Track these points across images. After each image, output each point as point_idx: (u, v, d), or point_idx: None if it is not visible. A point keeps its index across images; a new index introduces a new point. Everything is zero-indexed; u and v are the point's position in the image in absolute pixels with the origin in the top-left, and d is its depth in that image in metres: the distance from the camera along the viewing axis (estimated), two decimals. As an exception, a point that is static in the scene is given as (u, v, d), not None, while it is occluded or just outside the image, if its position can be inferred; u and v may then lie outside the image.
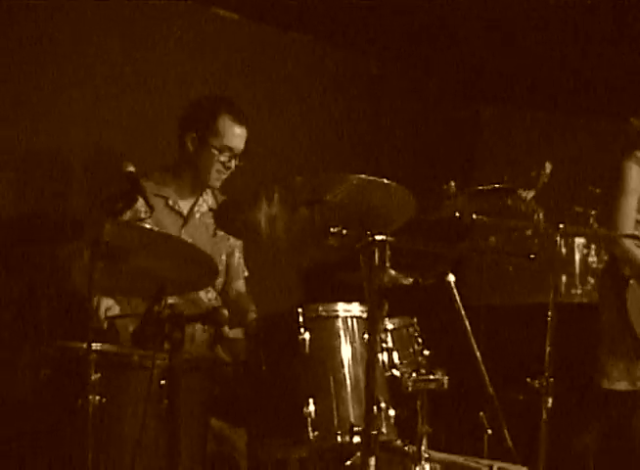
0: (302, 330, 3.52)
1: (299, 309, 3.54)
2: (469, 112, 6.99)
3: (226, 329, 4.16)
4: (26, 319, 4.43)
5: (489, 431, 4.21)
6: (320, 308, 3.60)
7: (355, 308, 3.65)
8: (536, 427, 4.49)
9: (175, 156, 4.40)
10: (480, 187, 4.01)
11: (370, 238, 3.09)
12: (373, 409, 3.15)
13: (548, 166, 4.11)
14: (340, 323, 3.61)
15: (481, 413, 4.25)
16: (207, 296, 4.30)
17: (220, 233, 4.34)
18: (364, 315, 3.64)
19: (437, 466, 3.58)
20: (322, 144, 6.02)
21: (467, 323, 4.21)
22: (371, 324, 3.09)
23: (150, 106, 5.09)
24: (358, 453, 3.63)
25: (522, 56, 6.31)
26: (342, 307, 3.63)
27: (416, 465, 3.56)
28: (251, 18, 5.60)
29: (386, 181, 3.24)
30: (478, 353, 4.19)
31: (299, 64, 5.93)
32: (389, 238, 3.14)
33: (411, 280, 4.26)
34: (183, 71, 5.31)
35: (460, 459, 3.68)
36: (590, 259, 6.21)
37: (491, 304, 5.10)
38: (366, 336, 3.61)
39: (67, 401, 3.39)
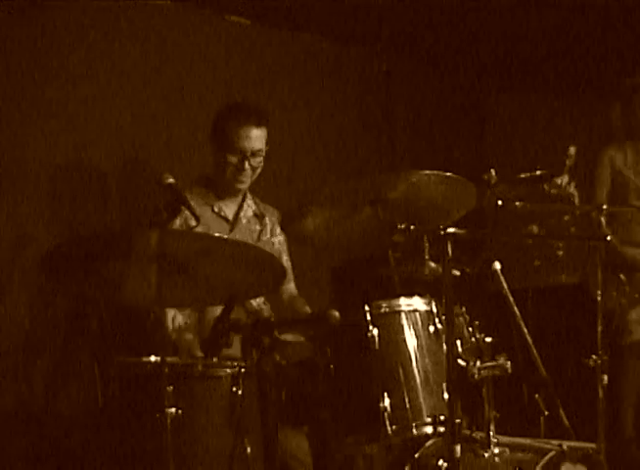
0: (371, 327, 3.56)
1: (366, 307, 3.58)
2: (478, 100, 7.05)
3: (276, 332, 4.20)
4: (90, 335, 4.46)
5: (546, 413, 4.30)
6: (384, 305, 3.66)
7: (417, 302, 3.72)
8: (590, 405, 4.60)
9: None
10: (521, 175, 4.07)
11: (442, 232, 3.14)
12: (453, 398, 3.20)
13: (572, 149, 4.21)
14: (404, 317, 3.67)
15: (537, 396, 4.33)
16: (257, 301, 4.34)
17: (264, 238, 4.41)
18: (426, 308, 3.70)
19: (507, 449, 3.63)
20: (343, 144, 6.08)
21: (516, 308, 4.29)
22: (448, 316, 3.15)
23: (172, 115, 5.15)
24: (427, 444, 3.70)
25: (525, 41, 6.37)
26: (404, 302, 3.70)
27: (485, 450, 3.62)
28: (263, 22, 5.64)
29: (447, 174, 3.30)
30: (529, 337, 4.27)
31: (313, 65, 5.98)
32: (460, 230, 3.19)
33: (457, 272, 4.34)
34: (204, 80, 5.37)
35: (527, 441, 3.74)
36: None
37: (536, 286, 5.20)
38: (431, 328, 3.68)
39: (142, 416, 3.43)
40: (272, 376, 3.15)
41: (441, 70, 6.74)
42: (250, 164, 4.26)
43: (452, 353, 3.16)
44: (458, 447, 3.18)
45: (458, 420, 3.17)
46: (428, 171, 3.30)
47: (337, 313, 3.09)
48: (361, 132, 6.26)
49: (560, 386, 4.34)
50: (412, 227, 3.32)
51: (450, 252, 3.16)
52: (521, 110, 7.15)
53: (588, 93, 6.60)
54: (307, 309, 4.44)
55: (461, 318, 4.15)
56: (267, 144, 4.31)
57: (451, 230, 3.17)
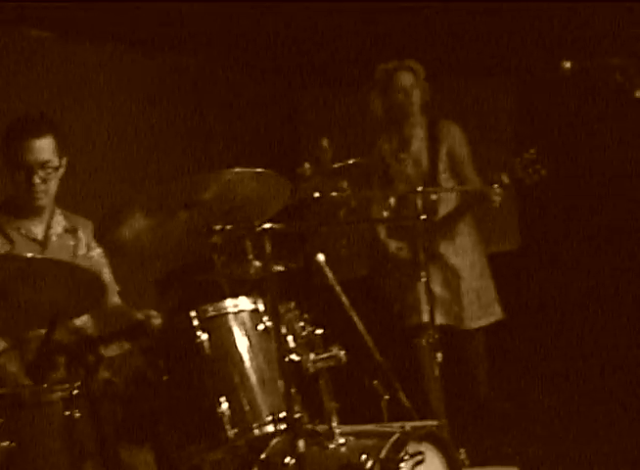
0: (199, 332, 3.51)
1: (192, 313, 3.52)
2: (289, 98, 7.08)
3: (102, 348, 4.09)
4: None
5: (386, 396, 4.33)
6: (210, 308, 3.60)
7: (243, 302, 3.68)
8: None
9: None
10: (335, 165, 4.10)
11: (259, 228, 3.11)
12: (290, 395, 3.17)
13: (325, 142, 4.36)
14: (232, 319, 3.63)
15: (375, 381, 4.36)
16: (81, 318, 4.19)
17: (80, 252, 4.25)
18: (253, 307, 3.67)
19: (351, 438, 3.64)
20: (158, 151, 5.99)
21: (344, 298, 4.31)
22: (272, 312, 3.13)
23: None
24: (272, 443, 3.67)
25: (328, 38, 6.44)
26: (230, 303, 3.66)
27: (331, 442, 3.61)
28: (65, 34, 5.49)
29: (259, 170, 3.27)
30: (361, 325, 4.30)
31: (120, 74, 5.87)
32: (277, 225, 3.17)
33: (282, 267, 4.32)
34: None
35: (371, 427, 3.76)
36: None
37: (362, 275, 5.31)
38: (260, 327, 3.65)
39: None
40: (103, 394, 3.06)
41: (251, 69, 6.72)
42: (40, 178, 4.07)
43: (282, 349, 3.10)
44: (301, 442, 3.15)
45: (297, 415, 3.14)
46: (238, 169, 3.25)
47: (158, 320, 3.03)
48: (175, 138, 6.19)
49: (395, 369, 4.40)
50: (228, 227, 3.26)
51: (269, 247, 3.12)
52: (331, 104, 7.21)
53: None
54: (137, 315, 4.30)
55: (291, 313, 4.14)
56: (60, 153, 4.11)
57: (267, 226, 3.15)
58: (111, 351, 4.14)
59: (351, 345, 4.25)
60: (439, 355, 4.01)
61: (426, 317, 4.70)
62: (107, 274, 4.39)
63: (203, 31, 6.04)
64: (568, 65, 4.31)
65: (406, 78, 5.27)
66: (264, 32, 6.34)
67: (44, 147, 4.06)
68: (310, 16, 6.21)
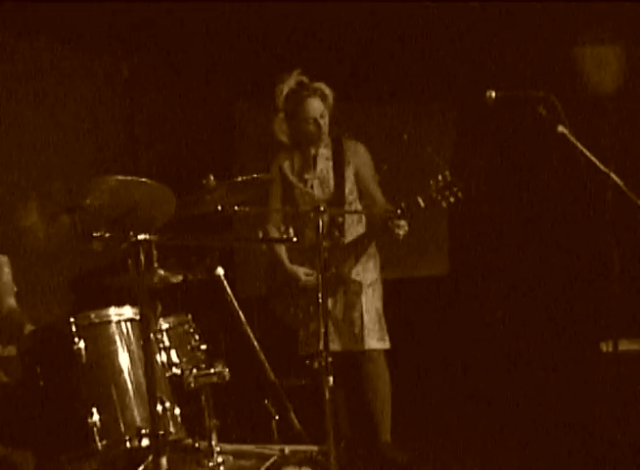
0: (77, 339, 3.44)
1: (71, 319, 3.45)
2: (224, 107, 7.02)
3: None
4: None
5: (277, 417, 4.28)
6: (92, 315, 3.55)
7: (128, 311, 3.62)
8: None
9: None
10: (239, 178, 4.03)
11: (133, 238, 3.04)
12: (157, 410, 3.10)
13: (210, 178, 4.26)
14: (114, 328, 3.58)
15: (266, 401, 4.31)
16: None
17: (-20, 252, 4.17)
18: (137, 317, 3.60)
19: (230, 457, 3.59)
20: (80, 149, 5.91)
21: (241, 314, 4.25)
22: (144, 325, 3.04)
23: None
24: (150, 457, 3.60)
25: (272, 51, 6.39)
26: (114, 312, 3.59)
27: (209, 460, 3.56)
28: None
29: (143, 180, 3.20)
30: (255, 343, 4.24)
31: (50, 70, 5.78)
32: (153, 237, 3.10)
33: (180, 278, 4.26)
34: None
35: (251, 448, 3.70)
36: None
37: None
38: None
39: None
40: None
41: (189, 79, 6.66)
42: None
43: (151, 360, 3.03)
44: (164, 460, 3.08)
45: (161, 432, 3.07)
46: (121, 177, 3.18)
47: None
48: (103, 140, 6.10)
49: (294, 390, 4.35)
50: (108, 235, 3.18)
51: (144, 258, 3.05)
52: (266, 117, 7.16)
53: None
54: (26, 322, 4.23)
55: (186, 326, 4.09)
56: None
57: (143, 237, 3.08)
58: (7, 351, 4.08)
59: (245, 363, 4.23)
60: (330, 379, 3.92)
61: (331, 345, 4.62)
62: (6, 274, 4.30)
63: (139, 34, 5.97)
64: (493, 94, 4.32)
65: (316, 107, 4.98)
66: (206, 41, 6.28)
67: None
68: (253, 28, 6.17)
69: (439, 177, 4.75)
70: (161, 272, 4.44)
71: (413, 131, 7.26)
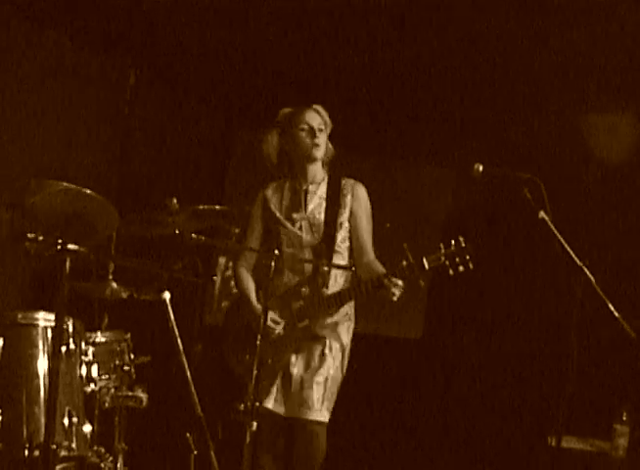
0: (-4, 337, 3.39)
1: (-7, 316, 3.41)
2: (223, 133, 6.99)
3: None
4: None
5: (195, 452, 4.20)
6: (19, 316, 3.49)
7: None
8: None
9: None
10: (201, 206, 3.98)
11: (59, 246, 2.99)
12: (54, 423, 3.04)
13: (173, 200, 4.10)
14: (39, 332, 3.50)
15: (188, 434, 4.22)
16: None
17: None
18: (66, 326, 3.55)
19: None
20: (74, 151, 5.86)
21: (179, 343, 4.18)
22: (56, 335, 2.99)
23: None
24: (58, 468, 3.52)
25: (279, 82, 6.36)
26: (43, 316, 3.53)
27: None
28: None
29: (88, 192, 3.16)
30: (188, 373, 4.16)
31: (53, 64, 5.73)
32: (82, 249, 3.05)
33: (124, 294, 4.22)
34: None
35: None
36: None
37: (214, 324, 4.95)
38: (63, 348, 3.51)
39: None
40: None
41: (187, 93, 6.63)
42: None
43: (56, 373, 2.97)
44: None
45: (54, 446, 3.00)
46: (67, 184, 3.14)
47: None
48: (95, 145, 6.06)
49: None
50: (40, 238, 3.13)
51: (68, 268, 3.00)
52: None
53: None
54: None
55: (122, 344, 4.03)
56: None
57: (71, 247, 3.03)
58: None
59: (175, 392, 4.15)
60: (254, 424, 3.83)
61: (270, 404, 4.34)
62: None
63: (151, 44, 5.93)
64: (480, 168, 4.21)
65: (313, 117, 4.48)
66: (219, 66, 6.25)
67: None
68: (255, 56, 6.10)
69: (452, 242, 4.26)
70: (114, 285, 4.41)
71: (409, 191, 7.21)
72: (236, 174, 7.01)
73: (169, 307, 4.16)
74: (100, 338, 3.84)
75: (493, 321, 6.90)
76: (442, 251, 4.26)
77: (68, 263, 2.98)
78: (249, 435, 3.80)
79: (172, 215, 4.02)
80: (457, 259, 4.25)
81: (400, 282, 4.24)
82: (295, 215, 4.54)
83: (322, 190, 4.57)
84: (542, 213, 4.13)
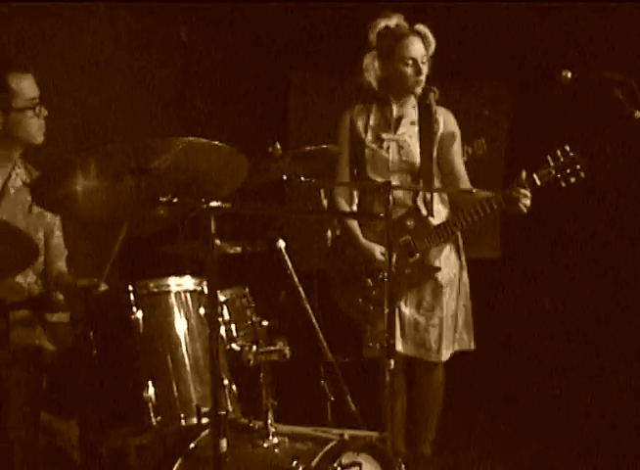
0: (134, 308, 3.27)
1: (130, 287, 3.27)
2: (279, 76, 6.84)
3: (48, 313, 3.86)
4: None
5: (332, 398, 4.10)
6: (151, 285, 3.37)
7: (188, 282, 3.44)
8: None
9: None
10: (307, 148, 3.83)
11: (205, 205, 2.85)
12: (219, 390, 2.92)
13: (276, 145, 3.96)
14: (173, 299, 3.39)
15: (322, 381, 4.13)
16: (27, 280, 3.94)
17: (37, 210, 3.99)
18: (197, 289, 3.43)
19: (286, 439, 3.41)
20: (136, 110, 5.77)
21: (301, 290, 4.07)
22: (210, 297, 2.85)
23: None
24: (202, 434, 3.44)
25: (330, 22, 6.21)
26: (173, 282, 3.41)
27: (264, 441, 3.39)
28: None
29: (216, 143, 3.00)
30: (315, 321, 4.06)
31: (110, 31, 5.64)
32: (225, 204, 2.91)
33: (239, 249, 4.08)
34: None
35: (308, 430, 3.52)
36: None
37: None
38: (202, 310, 3.41)
39: None
40: (29, 362, 2.81)
41: (239, 40, 6.48)
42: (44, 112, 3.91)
43: (216, 338, 2.85)
44: (224, 442, 2.90)
45: (222, 412, 2.89)
46: (193, 139, 2.98)
47: (60, 297, 2.78)
48: (158, 101, 5.94)
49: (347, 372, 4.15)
50: (175, 200, 2.99)
51: (213, 227, 2.86)
52: (323, 88, 6.97)
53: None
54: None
55: (243, 300, 3.90)
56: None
57: (215, 204, 2.88)
58: (57, 317, 3.92)
59: (302, 340, 4.04)
60: (392, 362, 3.72)
61: (399, 346, 4.24)
62: (57, 237, 4.16)
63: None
64: (568, 75, 4.05)
65: (418, 47, 4.32)
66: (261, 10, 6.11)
67: (33, 80, 3.90)
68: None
69: (558, 152, 4.17)
70: (218, 242, 4.27)
71: (468, 109, 7.03)
72: (296, 114, 6.86)
73: (286, 256, 4.03)
74: (221, 297, 3.71)
75: (578, 224, 6.74)
76: (552, 164, 4.18)
77: (213, 223, 2.82)
78: (388, 374, 3.68)
79: (276, 161, 3.87)
80: (568, 171, 4.18)
81: (528, 192, 4.13)
82: (384, 136, 4.42)
83: (414, 115, 4.43)
84: (639, 114, 3.99)
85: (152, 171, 3.02)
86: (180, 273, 3.51)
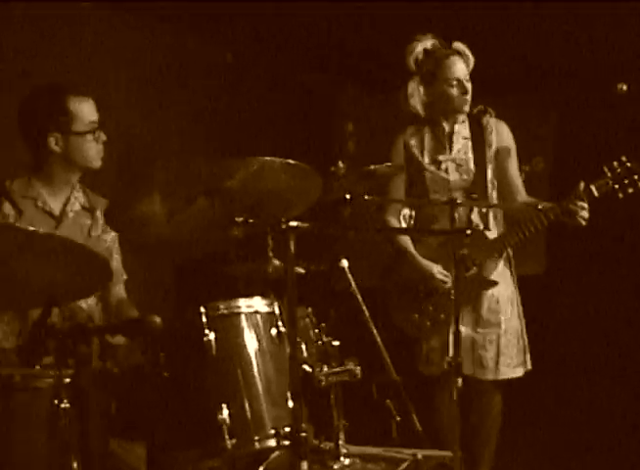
0: (207, 330, 3.23)
1: (202, 309, 3.25)
2: (326, 95, 6.84)
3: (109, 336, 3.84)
4: None
5: (398, 418, 4.05)
6: (222, 306, 3.33)
7: (258, 303, 3.41)
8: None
9: (34, 157, 4.01)
10: (371, 167, 3.81)
11: (284, 225, 2.82)
12: (300, 411, 2.89)
13: (349, 125, 3.93)
14: (244, 320, 3.35)
15: (388, 401, 4.08)
16: (88, 302, 3.93)
17: (95, 234, 3.99)
18: (268, 310, 3.40)
19: (357, 460, 3.37)
20: (182, 133, 5.77)
21: (365, 308, 4.04)
22: (290, 317, 2.83)
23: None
24: (272, 457, 3.41)
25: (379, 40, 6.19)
26: (244, 303, 3.38)
27: (335, 462, 3.35)
28: (108, 5, 5.27)
29: (292, 162, 2.98)
30: (379, 339, 4.03)
31: (156, 54, 5.66)
32: (304, 224, 2.88)
33: (302, 269, 4.05)
34: (34, 64, 4.92)
35: (379, 450, 3.48)
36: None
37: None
38: (273, 331, 3.38)
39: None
40: (96, 385, 2.81)
41: (292, 63, 6.49)
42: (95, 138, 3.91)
43: (296, 358, 2.81)
44: (305, 464, 2.87)
45: (304, 433, 2.85)
46: (269, 158, 2.96)
47: (157, 319, 2.76)
48: (205, 120, 5.95)
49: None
50: (251, 220, 2.97)
51: (293, 247, 2.83)
52: (369, 107, 6.96)
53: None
54: (135, 313, 4.04)
55: (307, 320, 3.87)
56: None
57: (294, 224, 2.85)
58: (116, 339, 3.89)
59: (366, 359, 3.99)
60: (459, 381, 3.68)
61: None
62: (116, 260, 4.15)
63: (243, 20, 5.81)
64: (624, 87, 4.03)
65: (460, 67, 4.33)
66: (309, 27, 6.10)
67: (94, 104, 3.91)
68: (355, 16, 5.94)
69: (615, 164, 4.16)
70: (277, 262, 4.25)
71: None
72: (343, 133, 6.85)
73: (349, 275, 4.00)
74: (286, 317, 3.67)
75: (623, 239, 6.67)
76: (609, 175, 4.15)
77: (292, 243, 2.80)
78: (455, 392, 3.64)
79: (339, 180, 3.84)
80: (626, 181, 4.15)
81: (585, 204, 4.13)
82: (440, 157, 4.41)
83: (465, 130, 4.42)
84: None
85: (225, 192, 2.98)
86: (233, 295, 3.48)
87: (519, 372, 4.48)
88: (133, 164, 5.39)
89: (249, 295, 3.42)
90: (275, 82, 6.50)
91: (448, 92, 4.35)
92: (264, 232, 3.14)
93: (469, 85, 4.35)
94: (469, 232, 3.45)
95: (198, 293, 5.11)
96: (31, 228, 3.00)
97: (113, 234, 4.08)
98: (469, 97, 4.36)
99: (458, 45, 4.40)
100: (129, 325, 2.94)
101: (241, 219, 3.00)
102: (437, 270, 4.41)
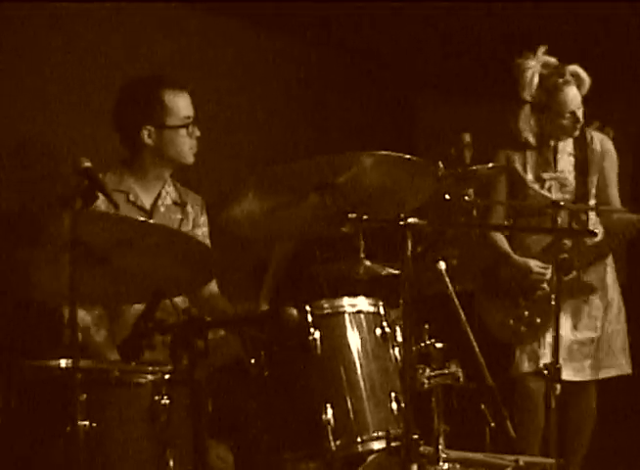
0: (312, 330, 3.17)
1: (307, 307, 3.19)
2: (405, 97, 6.81)
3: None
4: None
5: (492, 424, 3.97)
6: (326, 305, 3.27)
7: (362, 302, 3.34)
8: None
9: (127, 150, 4.00)
10: (473, 167, 3.75)
11: (402, 222, 2.75)
12: (410, 413, 2.82)
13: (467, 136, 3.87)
14: (348, 319, 3.28)
15: (483, 406, 4.00)
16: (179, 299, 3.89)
17: (185, 228, 3.95)
18: (373, 309, 3.33)
19: (457, 466, 3.29)
20: (269, 131, 5.76)
21: (461, 312, 3.96)
22: (405, 318, 2.78)
23: (92, 99, 4.69)
24: (369, 459, 3.34)
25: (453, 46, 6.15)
26: (347, 302, 3.31)
27: (434, 467, 3.28)
28: (196, 7, 5.28)
29: (408, 157, 2.91)
30: (475, 343, 3.94)
31: (245, 49, 5.71)
32: (422, 221, 2.81)
33: (396, 271, 3.98)
34: (128, 63, 4.96)
35: (479, 456, 3.40)
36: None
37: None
38: (377, 331, 3.31)
39: (49, 429, 2.94)
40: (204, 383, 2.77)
41: (374, 66, 6.47)
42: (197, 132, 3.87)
43: (409, 360, 2.75)
44: (415, 467, 2.80)
45: (416, 435, 2.79)
46: (384, 152, 2.90)
47: (294, 311, 2.70)
48: (294, 119, 5.95)
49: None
50: (365, 217, 2.91)
51: (411, 246, 2.77)
52: (450, 110, 6.89)
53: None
54: (230, 308, 4.00)
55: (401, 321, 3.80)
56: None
57: (412, 221, 2.78)
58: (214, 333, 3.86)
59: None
60: (558, 387, 3.60)
61: (546, 359, 4.12)
62: None
63: (327, 21, 5.79)
64: None
65: (573, 97, 4.26)
66: (391, 33, 6.08)
67: (189, 99, 3.88)
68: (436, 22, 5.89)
69: None
70: (367, 263, 4.18)
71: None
72: (421, 136, 6.81)
73: (447, 278, 3.93)
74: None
75: None
76: None
77: (409, 241, 2.73)
78: (553, 399, 3.56)
79: (440, 181, 3.79)
80: None
81: None
82: (544, 176, 4.34)
83: (569, 146, 4.36)
84: None
85: (337, 187, 2.93)
86: (319, 295, 3.43)
87: (606, 374, 4.47)
88: (225, 162, 5.38)
89: (352, 294, 3.34)
90: (355, 84, 6.48)
91: (561, 124, 4.31)
92: (374, 229, 3.06)
93: (581, 112, 4.27)
94: (575, 228, 3.39)
95: (288, 292, 5.07)
96: (141, 219, 2.96)
97: (205, 229, 4.07)
98: (581, 123, 4.31)
99: (574, 69, 4.31)
100: (263, 318, 2.88)
101: (354, 216, 2.92)
102: (535, 264, 4.36)
